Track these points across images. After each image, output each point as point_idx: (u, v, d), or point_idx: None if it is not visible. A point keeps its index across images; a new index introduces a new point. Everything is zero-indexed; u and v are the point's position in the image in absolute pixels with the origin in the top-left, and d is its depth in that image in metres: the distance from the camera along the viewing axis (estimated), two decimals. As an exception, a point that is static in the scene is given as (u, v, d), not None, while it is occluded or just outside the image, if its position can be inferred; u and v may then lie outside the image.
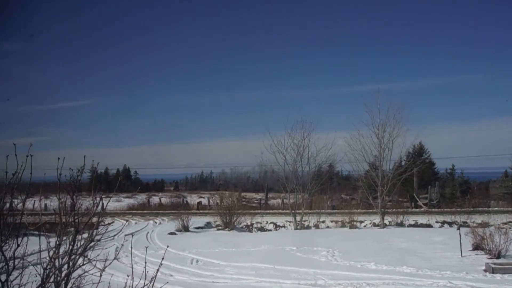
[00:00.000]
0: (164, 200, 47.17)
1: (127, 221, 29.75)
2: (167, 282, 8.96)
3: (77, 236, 4.64)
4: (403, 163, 29.69)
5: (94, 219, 4.85)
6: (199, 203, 43.89)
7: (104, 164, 70.48)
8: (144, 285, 4.59)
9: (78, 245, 4.63)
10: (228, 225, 26.13)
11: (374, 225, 26.67)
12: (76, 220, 4.70)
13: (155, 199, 50.46)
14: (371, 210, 29.31)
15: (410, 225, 26.39)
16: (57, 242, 4.52)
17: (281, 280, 12.66)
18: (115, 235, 5.34)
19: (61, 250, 4.52)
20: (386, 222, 26.22)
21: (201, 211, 37.37)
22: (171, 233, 23.98)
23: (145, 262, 4.87)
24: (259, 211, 33.87)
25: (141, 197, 53.29)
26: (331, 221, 27.95)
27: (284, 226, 27.97)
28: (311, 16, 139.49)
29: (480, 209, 32.80)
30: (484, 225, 20.79)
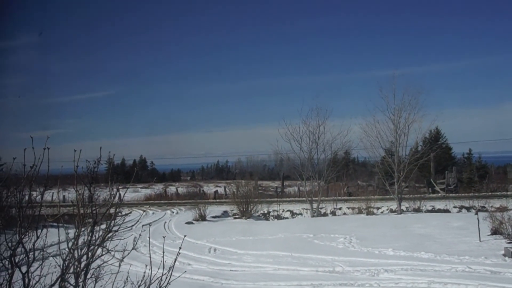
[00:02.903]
0: (181, 190, 47.42)
1: (144, 211, 29.97)
2: (185, 271, 9.03)
3: (95, 227, 4.68)
4: (419, 148, 29.50)
5: (112, 210, 4.88)
6: (216, 192, 44.05)
7: (120, 155, 71.01)
8: (162, 274, 4.63)
9: (97, 236, 4.67)
10: (245, 214, 26.20)
11: (391, 211, 26.58)
12: (94, 211, 4.74)
13: (171, 189, 50.69)
14: (387, 196, 29.18)
15: (428, 211, 26.25)
16: (76, 234, 4.57)
17: (299, 268, 12.69)
18: (132, 226, 5.36)
19: (80, 241, 4.56)
20: (403, 208, 26.11)
21: (217, 200, 37.48)
22: (188, 223, 24.10)
23: (163, 252, 4.91)
24: (275, 199, 33.93)
25: (158, 188, 53.58)
26: (348, 208, 27.91)
27: (300, 214, 28.01)
28: (327, 3, 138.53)
29: (498, 193, 32.53)
30: (503, 209, 20.60)
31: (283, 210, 28.36)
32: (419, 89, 26.87)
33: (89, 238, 4.60)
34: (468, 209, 26.33)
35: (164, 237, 7.21)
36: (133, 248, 5.10)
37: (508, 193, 33.42)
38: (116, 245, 4.81)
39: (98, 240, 4.65)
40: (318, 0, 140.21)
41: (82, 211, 4.69)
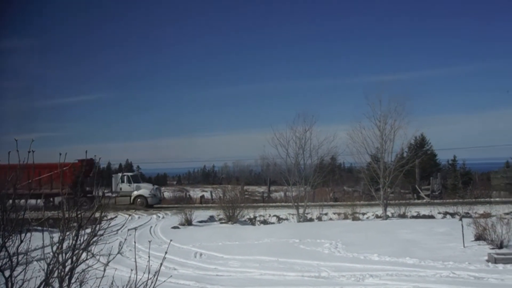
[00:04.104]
0: (167, 194, 47.18)
1: (130, 215, 29.80)
2: (171, 276, 8.98)
3: (80, 231, 4.66)
4: (404, 154, 29.65)
5: (97, 214, 4.87)
6: (202, 197, 43.96)
7: (106, 159, 70.60)
8: (147, 279, 4.61)
9: (81, 240, 4.65)
10: (231, 219, 26.15)
11: (377, 216, 26.69)
12: (79, 215, 4.72)
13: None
14: (373, 202, 29.32)
15: (413, 217, 26.38)
16: (60, 238, 4.54)
17: (285, 273, 12.70)
18: (118, 230, 5.35)
19: (65, 245, 4.54)
20: (388, 213, 26.24)
21: (204, 205, 37.43)
22: (174, 227, 24.01)
23: (149, 256, 4.89)
24: (261, 204, 33.95)
25: (144, 192, 53.04)
26: (334, 213, 27.97)
27: (287, 219, 28.01)
28: (313, 9, 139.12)
29: (482, 199, 32.84)
30: (486, 215, 20.81)
31: (269, 215, 28.35)
32: (405, 96, 27.10)
33: (73, 242, 4.58)
34: (453, 215, 26.50)
35: (149, 241, 7.19)
36: (118, 253, 5.08)
37: (492, 199, 33.76)
38: (101, 250, 4.79)
39: (83, 244, 4.62)
40: (303, 6, 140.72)
41: (67, 215, 4.67)
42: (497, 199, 34.77)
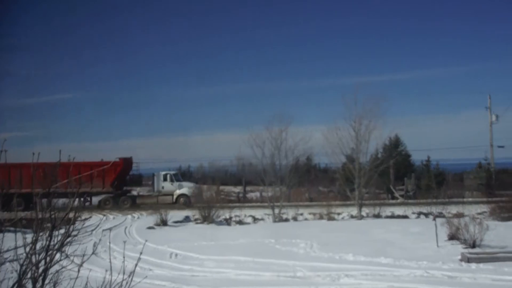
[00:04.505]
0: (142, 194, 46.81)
1: (104, 216, 29.48)
2: (146, 277, 8.91)
3: (54, 232, 4.59)
4: (379, 155, 30.00)
5: (71, 214, 4.80)
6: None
7: (80, 159, 69.67)
8: (122, 280, 4.57)
9: (55, 241, 4.58)
10: (206, 219, 26.06)
11: (352, 216, 26.86)
12: (53, 216, 4.65)
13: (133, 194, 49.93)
14: (348, 202, 29.48)
15: (387, 217, 26.63)
16: (34, 238, 4.47)
17: (261, 273, 12.71)
18: (92, 230, 5.28)
19: (38, 246, 4.47)
20: (363, 213, 26.44)
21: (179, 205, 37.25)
22: (149, 228, 23.85)
23: (124, 257, 4.85)
24: (237, 204, 33.91)
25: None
26: (309, 214, 28.06)
27: (262, 219, 28.02)
28: (289, 10, 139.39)
29: (455, 200, 33.21)
30: (459, 215, 21.05)
31: (245, 215, 28.32)
32: (379, 97, 27.35)
33: (47, 242, 4.51)
34: (426, 215, 26.82)
35: (124, 242, 7.14)
36: (92, 253, 5.01)
37: (465, 199, 34.22)
38: (75, 250, 4.73)
39: (57, 245, 4.56)
40: (280, 8, 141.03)
41: (40, 215, 4.60)
42: (470, 199, 35.26)
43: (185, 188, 36.12)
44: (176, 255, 16.13)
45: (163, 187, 36.08)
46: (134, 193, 40.83)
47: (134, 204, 35.20)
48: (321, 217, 26.60)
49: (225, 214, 27.52)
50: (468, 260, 12.90)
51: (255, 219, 28.08)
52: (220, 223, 26.56)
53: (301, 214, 28.04)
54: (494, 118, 43.98)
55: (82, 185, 33.60)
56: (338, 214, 27.32)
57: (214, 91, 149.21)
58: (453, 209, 26.49)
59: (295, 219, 27.47)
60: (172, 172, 38.25)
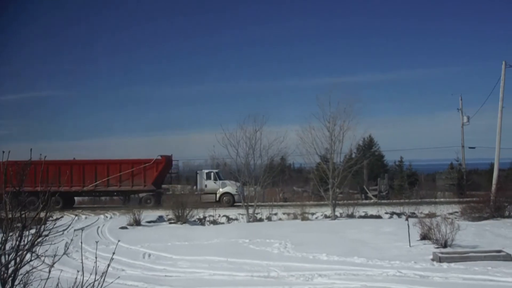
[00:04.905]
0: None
1: (76, 215, 29.11)
2: (119, 277, 8.81)
3: (24, 232, 4.51)
4: (353, 155, 30.23)
5: (42, 214, 4.73)
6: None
7: (51, 158, 68.73)
8: (94, 280, 4.51)
9: (26, 241, 4.50)
10: (180, 219, 25.93)
11: (326, 216, 26.99)
12: (23, 215, 4.57)
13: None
14: (322, 202, 29.63)
15: (361, 217, 26.83)
16: (3, 238, 4.39)
17: (234, 273, 12.68)
18: (64, 230, 5.20)
19: (8, 246, 4.38)
20: (337, 213, 26.59)
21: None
22: (122, 228, 23.64)
23: (96, 257, 4.78)
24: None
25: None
26: (284, 213, 28.11)
27: (236, 219, 28.00)
28: (265, 11, 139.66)
29: (427, 200, 33.76)
30: (431, 215, 21.35)
31: (219, 215, 28.26)
32: (353, 98, 27.55)
33: (17, 243, 4.43)
34: (399, 215, 27.10)
35: (97, 242, 7.05)
36: (64, 253, 4.94)
37: (437, 200, 34.75)
38: (46, 250, 4.65)
39: (27, 245, 4.48)
40: (255, 8, 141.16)
41: (10, 215, 4.52)
42: (442, 199, 35.82)
43: (229, 186, 35.22)
44: (149, 255, 16.00)
45: (206, 186, 35.17)
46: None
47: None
48: (295, 217, 26.67)
49: (199, 214, 27.41)
50: (440, 260, 13.06)
51: (229, 219, 28.04)
52: (193, 223, 26.46)
53: (275, 214, 28.08)
54: (465, 119, 44.60)
55: (122, 183, 33.17)
56: (312, 214, 27.42)
57: (189, 90, 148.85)
58: (425, 209, 26.86)
59: (269, 219, 27.51)
60: (215, 170, 36.92)
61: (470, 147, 45.83)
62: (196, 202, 28.10)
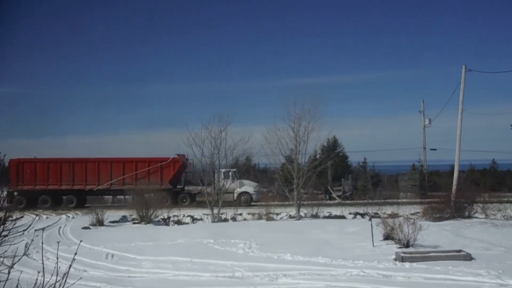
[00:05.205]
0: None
1: (37, 215, 28.54)
2: (81, 278, 8.66)
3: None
4: (318, 156, 30.41)
5: (1, 214, 4.60)
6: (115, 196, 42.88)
7: (10, 157, 67.12)
8: (56, 281, 4.41)
9: (-16, 241, 4.38)
10: (144, 219, 25.67)
11: (290, 217, 27.10)
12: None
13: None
14: (287, 203, 29.78)
15: (325, 217, 27.03)
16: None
17: (199, 273, 12.60)
18: (24, 231, 5.07)
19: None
20: (301, 214, 26.73)
21: (116, 204, 36.58)
22: (85, 228, 23.27)
23: (57, 258, 4.68)
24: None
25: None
26: (248, 214, 28.15)
27: (201, 219, 27.89)
28: (228, 11, 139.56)
29: (390, 200, 34.32)
30: (394, 216, 21.65)
31: (184, 215, 28.10)
32: (318, 99, 27.75)
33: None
34: (363, 215, 27.42)
35: (58, 242, 6.90)
36: (24, 254, 4.82)
37: (399, 200, 35.31)
38: (6, 251, 4.53)
39: (-14, 246, 4.35)
40: (218, 8, 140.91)
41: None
42: (404, 200, 36.44)
43: (247, 186, 35.09)
44: (112, 255, 15.78)
45: (224, 185, 34.79)
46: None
47: (194, 202, 34.14)
48: (260, 217, 26.71)
49: (163, 214, 27.20)
50: (402, 260, 13.23)
51: (194, 219, 27.92)
52: (158, 223, 26.24)
53: (240, 214, 28.10)
54: (427, 122, 45.46)
55: (138, 182, 32.59)
56: (277, 214, 27.52)
57: (154, 89, 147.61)
58: (388, 210, 27.24)
59: (234, 219, 27.50)
60: (233, 170, 36.05)
61: (431, 149, 46.79)
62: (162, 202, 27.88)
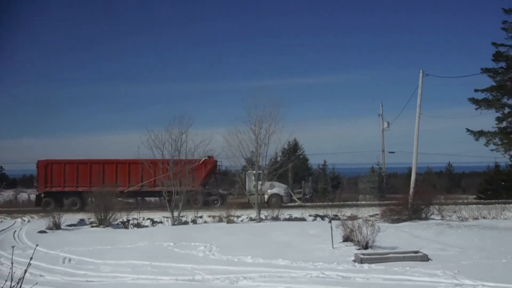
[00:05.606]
0: (34, 196, 44.74)
1: (-9, 220, 27.84)
2: (37, 283, 8.47)
3: None
4: (278, 159, 30.56)
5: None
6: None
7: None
8: (10, 287, 4.30)
9: None
10: (103, 222, 25.27)
11: (251, 219, 27.09)
12: None
13: (23, 196, 47.84)
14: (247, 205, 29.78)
15: (285, 219, 27.12)
16: None
17: (158, 277, 12.49)
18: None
19: None
20: (262, 216, 26.76)
21: (74, 207, 35.89)
22: (41, 232, 22.74)
23: (12, 263, 4.56)
24: (135, 206, 33.21)
25: (8, 194, 50.25)
26: (209, 216, 28.00)
27: (161, 222, 27.60)
28: (190, 12, 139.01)
29: (349, 202, 34.75)
30: (353, 218, 21.85)
31: (143, 218, 27.76)
32: (280, 101, 27.87)
33: None
34: (323, 217, 27.58)
35: (13, 247, 6.73)
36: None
37: (358, 202, 35.77)
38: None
39: None
40: (180, 9, 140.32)
41: None
42: (363, 202, 36.94)
43: (277, 188, 34.98)
44: (69, 260, 15.49)
45: (254, 187, 34.42)
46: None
47: (224, 204, 33.47)
48: (220, 220, 26.63)
49: (122, 217, 26.83)
50: (361, 261, 13.40)
51: (153, 222, 27.61)
52: (117, 226, 25.87)
53: (201, 217, 27.93)
54: (385, 125, 46.20)
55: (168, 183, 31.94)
56: (238, 217, 27.47)
57: (113, 91, 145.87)
58: (348, 212, 27.50)
59: (194, 222, 27.31)
60: (264, 172, 36.31)
61: (390, 152, 47.60)
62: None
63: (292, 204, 36.09)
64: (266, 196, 34.65)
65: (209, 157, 34.35)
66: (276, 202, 34.25)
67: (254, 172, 34.11)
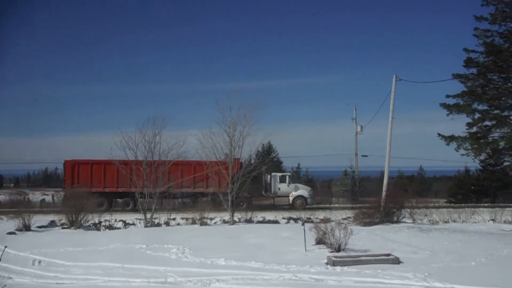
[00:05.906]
0: (3, 197, 44.13)
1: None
2: (5, 286, 8.33)
3: None
4: (252, 161, 30.52)
5: None
6: (43, 200, 41.60)
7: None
8: (-23, 290, 4.21)
9: None
10: (74, 224, 24.95)
11: (224, 222, 27.05)
12: None
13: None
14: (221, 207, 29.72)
15: (259, 222, 27.16)
16: None
17: (130, 279, 12.39)
18: None
19: None
20: (235, 218, 26.74)
21: (44, 209, 35.43)
22: (10, 233, 22.34)
23: (-20, 265, 4.46)
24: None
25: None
26: (182, 218, 27.87)
27: (134, 224, 27.37)
28: (164, 14, 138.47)
29: (322, 205, 35.03)
30: (326, 220, 22.05)
31: (115, 220, 27.47)
32: (254, 104, 27.84)
33: None
34: (296, 220, 27.69)
35: (-19, 248, 6.59)
36: None
37: (331, 205, 36.06)
38: None
39: None
40: (156, 11, 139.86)
41: None
42: (336, 205, 37.26)
43: (301, 190, 35.65)
44: (39, 261, 15.24)
45: (279, 189, 35.31)
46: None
47: (251, 205, 33.21)
48: (193, 222, 26.53)
49: (94, 218, 26.52)
50: (334, 264, 13.48)
51: (126, 224, 27.36)
52: (88, 228, 25.57)
53: (174, 219, 27.79)
54: (359, 128, 46.64)
55: (196, 185, 31.32)
56: (211, 219, 27.42)
57: (87, 91, 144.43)
58: (321, 215, 27.72)
59: (167, 224, 27.14)
60: (288, 174, 37.99)
61: (363, 155, 48.10)
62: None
63: (265, 206, 36.14)
64: (291, 198, 35.51)
65: (235, 159, 34.36)
66: (301, 204, 35.07)
67: (279, 175, 34.55)
